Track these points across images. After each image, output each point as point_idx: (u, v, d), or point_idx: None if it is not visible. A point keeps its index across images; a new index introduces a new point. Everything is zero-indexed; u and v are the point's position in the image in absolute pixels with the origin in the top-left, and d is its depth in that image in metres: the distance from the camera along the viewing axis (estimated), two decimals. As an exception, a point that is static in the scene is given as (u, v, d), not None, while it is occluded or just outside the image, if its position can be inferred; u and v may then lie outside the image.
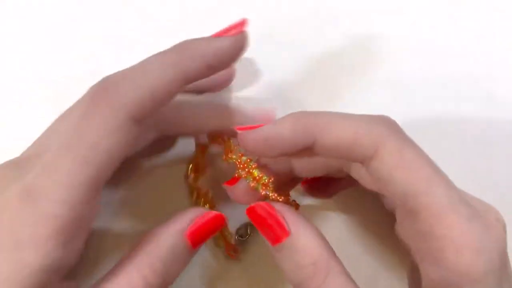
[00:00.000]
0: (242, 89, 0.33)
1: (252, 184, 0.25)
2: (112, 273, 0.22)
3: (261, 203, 0.24)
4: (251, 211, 0.24)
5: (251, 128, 0.23)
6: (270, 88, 0.33)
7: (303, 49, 0.33)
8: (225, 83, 0.28)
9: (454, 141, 0.32)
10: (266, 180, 0.25)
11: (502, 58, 0.33)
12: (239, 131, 0.24)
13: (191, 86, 0.23)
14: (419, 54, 0.33)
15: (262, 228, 0.23)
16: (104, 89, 0.22)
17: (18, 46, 0.32)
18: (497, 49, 0.33)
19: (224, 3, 0.33)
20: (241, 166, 0.25)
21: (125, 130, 0.21)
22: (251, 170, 0.25)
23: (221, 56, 0.23)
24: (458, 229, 0.20)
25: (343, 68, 0.33)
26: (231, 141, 0.27)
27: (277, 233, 0.23)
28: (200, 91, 0.28)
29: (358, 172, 0.24)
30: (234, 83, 0.31)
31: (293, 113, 0.23)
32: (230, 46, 0.23)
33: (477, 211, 0.21)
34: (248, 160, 0.25)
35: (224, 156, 0.26)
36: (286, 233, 0.22)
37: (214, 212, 0.25)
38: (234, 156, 0.26)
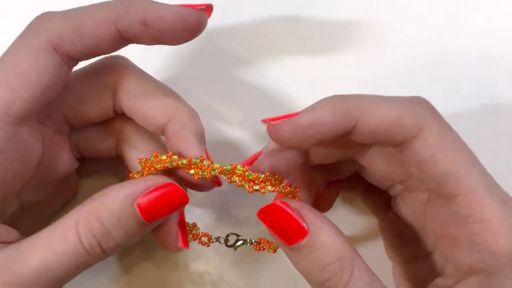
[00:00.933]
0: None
1: (238, 184, 0.23)
2: (54, 223, 0.22)
3: (276, 202, 0.23)
4: (263, 214, 0.23)
5: (284, 118, 0.22)
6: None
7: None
8: (192, 31, 0.24)
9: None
10: (252, 176, 0.23)
11: (503, 57, 0.33)
12: (272, 122, 0.22)
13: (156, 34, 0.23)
14: (419, 54, 0.33)
15: (276, 230, 0.22)
16: (39, 29, 0.23)
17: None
18: (498, 49, 0.33)
19: None
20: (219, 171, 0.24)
21: (50, 61, 0.22)
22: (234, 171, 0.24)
23: (159, 18, 0.22)
24: (495, 212, 0.21)
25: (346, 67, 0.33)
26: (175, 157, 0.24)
27: (294, 233, 0.22)
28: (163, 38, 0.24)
29: (371, 159, 0.25)
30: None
31: (327, 98, 0.22)
32: (173, 13, 0.22)
33: (508, 195, 0.22)
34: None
35: (190, 171, 0.24)
36: (305, 232, 0.22)
37: (174, 185, 0.23)
38: (200, 171, 0.24)
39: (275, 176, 0.24)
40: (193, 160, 0.24)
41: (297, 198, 0.24)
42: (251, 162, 0.24)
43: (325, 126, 0.21)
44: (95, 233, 0.22)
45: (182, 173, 0.25)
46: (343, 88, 0.33)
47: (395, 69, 0.33)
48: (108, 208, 0.22)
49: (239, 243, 0.28)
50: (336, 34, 0.34)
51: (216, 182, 0.26)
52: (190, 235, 0.27)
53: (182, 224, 0.26)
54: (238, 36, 0.34)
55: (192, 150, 0.24)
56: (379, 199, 0.30)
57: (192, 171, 0.24)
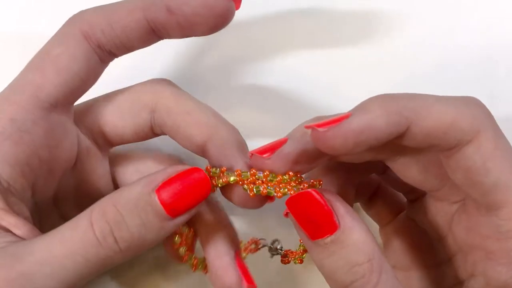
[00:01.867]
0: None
1: (264, 191, 0.22)
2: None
3: (309, 191, 0.21)
4: (293, 202, 0.21)
5: (330, 123, 0.19)
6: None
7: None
8: (217, 18, 0.23)
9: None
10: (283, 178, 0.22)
11: (503, 57, 0.33)
12: (319, 129, 0.19)
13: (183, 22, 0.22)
14: (419, 54, 0.33)
15: (304, 222, 0.21)
16: (74, 21, 0.23)
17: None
18: (498, 49, 0.34)
19: None
20: (241, 181, 0.23)
21: (80, 49, 0.23)
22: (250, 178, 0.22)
23: (183, 3, 0.22)
24: None
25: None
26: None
27: (323, 227, 0.20)
28: (189, 30, 0.24)
29: (404, 163, 0.23)
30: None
31: (377, 98, 0.20)
32: (200, 3, 0.22)
33: None
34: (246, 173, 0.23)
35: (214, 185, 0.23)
36: (335, 226, 0.20)
37: (198, 170, 0.22)
38: (220, 181, 0.23)
39: (298, 176, 0.22)
40: (243, 174, 0.22)
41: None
42: (272, 149, 0.22)
43: (379, 131, 0.19)
44: (108, 218, 0.20)
45: (231, 192, 0.23)
46: (342, 87, 0.34)
47: (395, 69, 0.33)
48: (125, 195, 0.21)
49: (277, 249, 0.26)
50: (338, 34, 0.34)
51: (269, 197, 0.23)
52: (243, 253, 0.26)
53: (241, 266, 0.24)
54: (243, 33, 0.33)
55: (236, 164, 0.23)
56: (385, 205, 0.29)
57: (245, 187, 0.22)
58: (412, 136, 0.20)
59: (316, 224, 0.20)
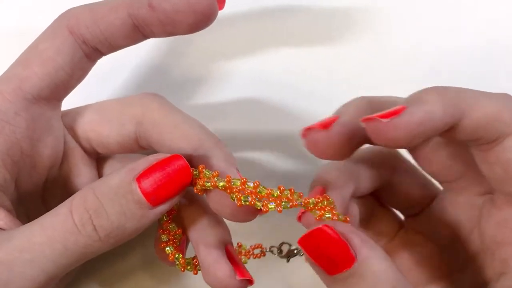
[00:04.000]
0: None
1: (267, 208, 0.21)
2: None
3: (321, 227, 0.20)
4: (306, 240, 0.20)
5: (387, 115, 0.20)
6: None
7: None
8: (198, 16, 0.23)
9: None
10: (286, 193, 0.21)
11: (503, 57, 0.33)
12: (382, 120, 0.19)
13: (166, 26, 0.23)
14: (419, 54, 0.33)
15: (319, 259, 0.20)
16: (62, 17, 0.24)
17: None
18: (498, 49, 0.33)
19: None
20: (230, 189, 0.21)
21: (65, 43, 0.23)
22: (254, 190, 0.21)
23: (164, 1, 0.22)
24: None
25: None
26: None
27: (340, 261, 0.19)
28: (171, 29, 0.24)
29: (429, 152, 0.24)
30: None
31: (433, 89, 0.21)
32: (181, 0, 0.22)
33: None
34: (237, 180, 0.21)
35: (196, 187, 0.22)
36: (352, 259, 0.19)
37: (179, 157, 0.21)
38: (208, 184, 0.22)
39: (326, 198, 0.21)
40: (233, 181, 0.22)
41: (342, 219, 0.22)
42: (324, 125, 0.22)
43: (437, 122, 0.20)
44: (88, 206, 0.20)
45: (214, 199, 0.23)
46: (342, 86, 0.34)
47: (395, 69, 0.33)
48: (106, 183, 0.21)
49: (293, 252, 0.25)
50: (335, 32, 0.34)
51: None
52: (243, 256, 0.26)
53: (233, 260, 0.24)
54: (235, 29, 0.33)
55: (224, 173, 0.22)
56: (383, 224, 0.28)
57: (233, 196, 0.21)
58: (463, 128, 0.21)
59: (332, 260, 0.19)
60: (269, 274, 0.31)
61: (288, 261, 0.26)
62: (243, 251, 0.27)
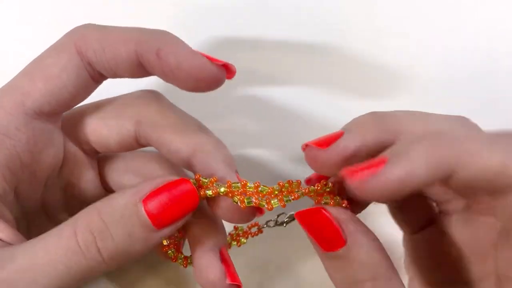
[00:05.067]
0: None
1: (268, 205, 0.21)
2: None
3: (314, 208, 0.21)
4: (302, 216, 0.21)
5: (367, 168, 0.18)
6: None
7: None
8: (201, 86, 0.23)
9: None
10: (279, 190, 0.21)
11: (504, 57, 0.33)
12: (357, 181, 0.18)
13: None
14: (419, 54, 0.33)
15: (314, 235, 0.21)
16: (72, 33, 0.24)
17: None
18: (498, 48, 0.33)
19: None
20: (231, 193, 0.22)
21: (72, 62, 0.23)
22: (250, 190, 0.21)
23: (171, 53, 0.22)
24: None
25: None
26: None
27: (331, 242, 0.20)
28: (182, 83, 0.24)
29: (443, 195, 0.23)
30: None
31: (419, 142, 0.19)
32: (185, 54, 0.22)
33: None
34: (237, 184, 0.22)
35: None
36: (342, 242, 0.20)
37: (185, 181, 0.21)
38: (210, 192, 0.22)
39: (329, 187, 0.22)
40: (233, 185, 0.22)
41: (343, 204, 0.22)
42: (327, 142, 0.21)
43: (420, 180, 0.18)
44: (92, 228, 0.20)
45: (219, 204, 0.23)
46: (343, 87, 0.33)
47: (395, 69, 0.33)
48: (111, 204, 0.21)
49: (286, 220, 0.26)
50: (335, 36, 0.34)
51: (258, 210, 0.23)
52: (242, 238, 0.26)
53: (226, 262, 0.24)
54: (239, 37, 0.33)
55: (221, 180, 0.23)
56: (415, 212, 0.27)
57: (235, 198, 0.22)
58: (455, 181, 0.19)
59: (325, 238, 0.20)
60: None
61: (285, 226, 0.26)
62: (240, 232, 0.27)
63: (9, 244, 0.21)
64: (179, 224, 0.21)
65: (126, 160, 0.28)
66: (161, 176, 0.22)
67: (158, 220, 0.20)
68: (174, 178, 0.21)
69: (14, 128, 0.23)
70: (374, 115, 0.21)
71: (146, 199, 0.20)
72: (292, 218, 0.26)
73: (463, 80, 0.33)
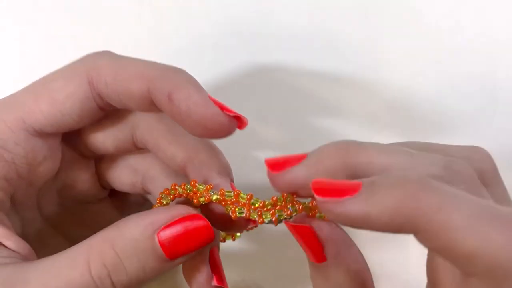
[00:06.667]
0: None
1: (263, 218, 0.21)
2: (68, 248, 0.21)
3: (304, 226, 0.20)
4: (293, 228, 0.21)
5: (335, 195, 0.17)
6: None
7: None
8: (209, 134, 0.22)
9: (455, 141, 0.31)
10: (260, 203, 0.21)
11: (504, 57, 0.33)
12: (326, 204, 0.18)
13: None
14: (419, 55, 0.33)
15: (302, 243, 0.20)
16: (86, 61, 0.23)
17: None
18: (498, 48, 0.33)
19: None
20: (224, 201, 0.22)
21: (80, 91, 0.22)
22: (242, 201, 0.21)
23: (183, 99, 0.21)
24: None
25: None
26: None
27: (315, 254, 0.20)
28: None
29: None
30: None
31: (394, 190, 0.17)
32: (196, 102, 0.21)
33: None
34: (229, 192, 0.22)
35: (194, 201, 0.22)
36: (323, 258, 0.20)
37: (200, 217, 0.21)
38: (202, 199, 0.22)
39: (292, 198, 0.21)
40: (226, 193, 0.22)
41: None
42: (285, 163, 0.20)
43: (379, 225, 0.17)
44: (106, 262, 0.20)
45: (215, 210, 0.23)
46: (343, 89, 0.34)
47: (394, 69, 0.33)
48: (124, 236, 0.20)
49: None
50: (334, 36, 0.34)
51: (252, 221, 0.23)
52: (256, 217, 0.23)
53: (215, 264, 0.24)
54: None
55: (218, 184, 0.23)
56: None
57: (228, 208, 0.21)
58: (421, 238, 0.17)
59: (311, 250, 0.20)
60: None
61: (276, 226, 0.26)
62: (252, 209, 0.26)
63: (15, 252, 0.22)
64: (193, 254, 0.21)
65: (124, 157, 0.27)
66: (175, 207, 0.22)
67: (172, 253, 0.20)
68: (189, 212, 0.21)
69: (13, 143, 0.23)
70: (338, 146, 0.19)
71: (160, 232, 0.20)
72: (288, 218, 0.26)
73: (462, 80, 0.33)
